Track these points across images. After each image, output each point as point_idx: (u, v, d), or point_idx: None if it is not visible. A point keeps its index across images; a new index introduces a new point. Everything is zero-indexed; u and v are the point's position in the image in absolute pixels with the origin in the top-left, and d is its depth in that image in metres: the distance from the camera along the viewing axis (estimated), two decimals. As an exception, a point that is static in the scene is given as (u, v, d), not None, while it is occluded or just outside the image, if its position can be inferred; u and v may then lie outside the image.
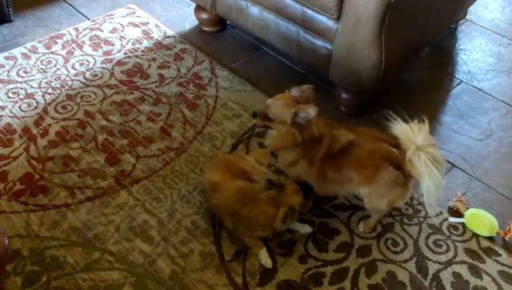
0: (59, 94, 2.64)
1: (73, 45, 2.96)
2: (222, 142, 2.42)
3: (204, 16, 3.07)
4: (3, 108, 2.55)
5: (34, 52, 2.89)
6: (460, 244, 2.05)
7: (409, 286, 1.91)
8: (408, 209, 2.16)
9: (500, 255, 2.01)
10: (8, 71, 2.76)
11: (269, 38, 2.74)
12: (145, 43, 2.99)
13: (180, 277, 1.90)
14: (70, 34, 3.03)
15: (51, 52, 2.90)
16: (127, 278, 1.89)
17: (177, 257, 1.96)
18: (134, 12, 3.24)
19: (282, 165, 2.07)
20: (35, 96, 2.62)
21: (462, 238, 2.07)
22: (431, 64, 3.02)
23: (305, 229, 2.06)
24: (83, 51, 2.92)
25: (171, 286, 1.87)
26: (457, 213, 2.15)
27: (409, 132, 1.81)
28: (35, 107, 2.56)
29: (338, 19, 2.34)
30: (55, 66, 2.81)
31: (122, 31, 3.08)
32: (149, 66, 2.84)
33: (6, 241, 1.60)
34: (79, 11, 3.26)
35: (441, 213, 2.15)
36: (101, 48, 2.95)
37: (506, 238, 2.07)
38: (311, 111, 1.84)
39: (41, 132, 2.43)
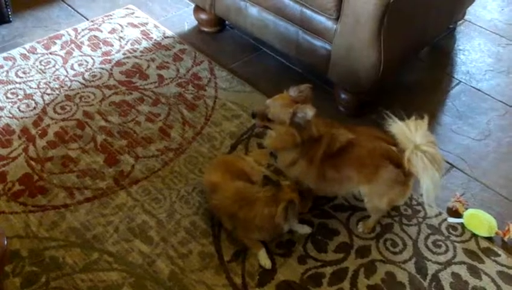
0: (58, 95, 2.64)
1: (72, 45, 2.96)
2: (221, 143, 2.42)
3: (203, 16, 3.07)
4: (1, 109, 2.54)
5: (33, 53, 2.89)
6: (460, 244, 2.05)
7: (408, 286, 1.91)
8: (407, 210, 2.16)
9: (499, 255, 2.02)
10: (7, 72, 2.76)
11: (268, 38, 2.74)
12: (144, 44, 2.99)
13: (179, 278, 1.89)
14: (69, 35, 3.03)
15: (50, 53, 2.89)
16: (126, 279, 1.88)
17: (176, 257, 1.96)
18: (133, 13, 3.24)
19: (282, 166, 2.07)
20: (34, 97, 2.62)
21: (461, 239, 2.07)
22: (430, 65, 3.02)
23: (305, 229, 2.05)
24: (81, 52, 2.92)
25: (170, 286, 1.87)
26: (456, 213, 2.16)
27: (406, 131, 1.81)
28: (34, 108, 2.56)
29: (337, 19, 2.34)
30: (54, 66, 2.81)
31: (121, 31, 3.08)
32: (148, 66, 2.84)
33: (5, 242, 1.59)
34: (78, 12, 3.26)
35: (440, 214, 2.15)
36: (100, 48, 2.95)
37: (505, 239, 2.07)
38: (309, 111, 1.84)
39: (40, 132, 2.43)
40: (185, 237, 2.03)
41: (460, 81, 2.86)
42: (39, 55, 2.88)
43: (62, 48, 2.94)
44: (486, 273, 1.96)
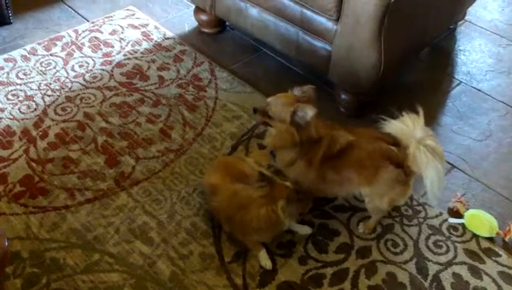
0: (58, 96, 2.64)
1: (73, 46, 2.96)
2: (222, 144, 2.42)
3: (203, 17, 3.08)
4: (2, 110, 2.55)
5: (34, 54, 2.89)
6: (460, 245, 2.05)
7: (409, 286, 1.91)
8: (408, 210, 2.16)
9: (500, 255, 2.01)
10: (8, 73, 2.76)
11: (268, 39, 2.74)
12: (145, 45, 3.00)
13: (180, 279, 1.89)
14: (70, 36, 3.03)
15: (51, 54, 2.90)
16: (126, 280, 1.88)
17: (177, 258, 1.96)
18: (133, 14, 3.24)
19: (281, 165, 2.07)
20: (34, 98, 2.62)
21: (462, 239, 2.07)
22: (430, 65, 3.02)
23: (305, 230, 2.05)
24: (82, 53, 2.92)
25: (171, 287, 1.87)
26: (457, 214, 2.15)
27: (404, 128, 1.82)
28: (35, 109, 2.56)
29: (337, 20, 2.34)
30: (54, 68, 2.81)
31: (122, 32, 3.08)
32: (148, 67, 2.84)
33: (6, 243, 1.59)
34: (78, 13, 3.26)
35: (441, 214, 2.15)
36: (101, 49, 2.95)
37: (506, 239, 2.07)
38: (309, 111, 1.84)
39: (40, 133, 2.43)
40: (185, 238, 2.03)
41: (460, 82, 2.86)
42: (40, 56, 2.88)
43: (63, 49, 2.94)
44: (487, 274, 1.95)
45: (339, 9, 2.31)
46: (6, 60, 2.85)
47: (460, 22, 3.25)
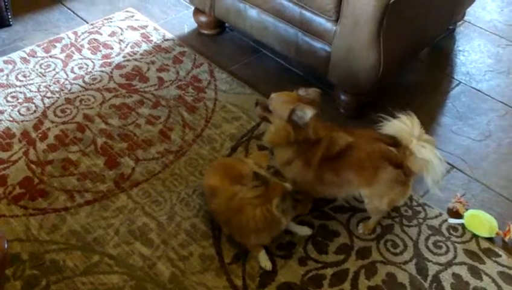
0: (58, 98, 2.64)
1: (72, 48, 2.96)
2: (221, 145, 2.42)
3: (203, 18, 3.08)
4: (2, 112, 2.55)
5: (33, 56, 2.89)
6: (460, 245, 2.05)
7: (409, 287, 1.91)
8: (407, 211, 2.16)
9: (499, 256, 2.01)
10: (7, 75, 2.76)
11: (268, 40, 2.75)
12: (144, 46, 3.00)
13: (179, 280, 1.89)
14: (69, 38, 3.04)
15: (50, 56, 2.90)
16: (126, 282, 1.88)
17: (176, 259, 1.96)
18: (133, 16, 3.25)
19: (278, 164, 2.07)
20: (34, 100, 2.62)
21: (462, 240, 2.07)
22: (429, 66, 3.02)
23: (305, 231, 2.05)
24: (81, 55, 2.92)
25: (171, 288, 1.87)
26: (456, 214, 2.15)
27: (404, 128, 1.87)
28: (34, 111, 2.56)
29: (336, 21, 2.34)
30: (54, 69, 2.81)
31: (121, 34, 3.08)
32: (148, 69, 2.84)
33: (6, 245, 1.60)
34: (78, 15, 3.26)
35: (441, 214, 2.15)
36: (100, 51, 2.95)
37: (506, 239, 2.07)
38: (308, 112, 1.85)
39: (40, 135, 2.43)
40: (185, 239, 2.03)
41: (460, 82, 2.86)
42: (39, 58, 2.88)
43: (62, 51, 2.94)
44: (487, 274, 1.95)
45: (338, 10, 2.31)
46: (5, 62, 2.85)
47: (460, 23, 3.25)
